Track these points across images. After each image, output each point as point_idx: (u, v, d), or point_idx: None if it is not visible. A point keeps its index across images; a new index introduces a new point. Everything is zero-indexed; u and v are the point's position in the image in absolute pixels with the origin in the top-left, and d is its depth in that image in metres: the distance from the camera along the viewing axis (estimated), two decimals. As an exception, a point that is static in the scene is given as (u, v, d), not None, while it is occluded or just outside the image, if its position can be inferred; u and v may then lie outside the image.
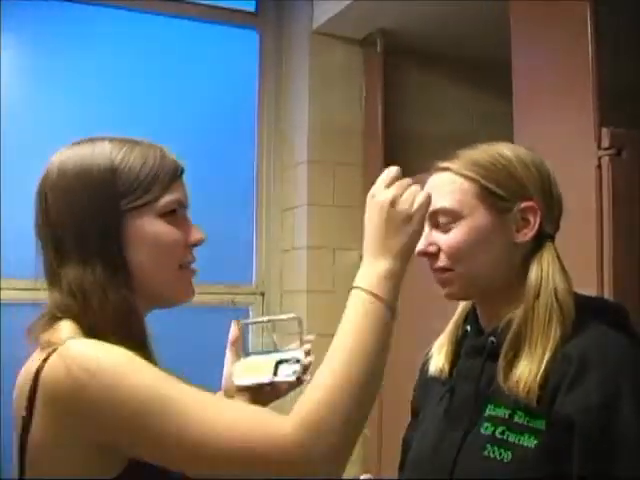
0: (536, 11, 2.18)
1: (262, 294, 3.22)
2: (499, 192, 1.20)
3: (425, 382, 1.40)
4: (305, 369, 1.23)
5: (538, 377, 1.10)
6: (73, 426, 0.97)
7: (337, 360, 0.97)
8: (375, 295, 1.01)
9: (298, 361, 1.23)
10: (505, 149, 1.23)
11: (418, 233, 1.06)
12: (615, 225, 1.85)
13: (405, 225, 1.04)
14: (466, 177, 1.21)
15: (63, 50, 2.95)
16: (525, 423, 1.11)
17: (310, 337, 1.27)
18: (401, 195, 1.05)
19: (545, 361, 1.11)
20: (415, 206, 1.05)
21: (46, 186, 1.10)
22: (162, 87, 3.08)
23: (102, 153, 1.09)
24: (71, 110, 2.90)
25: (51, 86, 2.93)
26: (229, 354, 1.33)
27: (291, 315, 1.30)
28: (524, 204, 1.20)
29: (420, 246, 1.21)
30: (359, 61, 3.21)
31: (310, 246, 3.04)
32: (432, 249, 1.23)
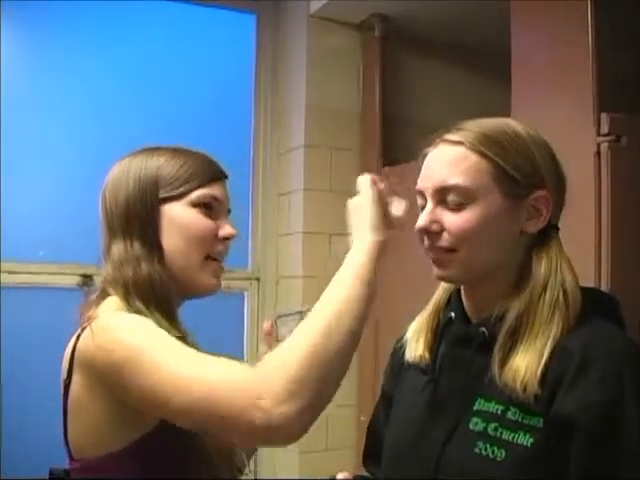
0: (536, -5, 2.16)
1: (257, 279, 3.22)
2: (516, 176, 1.13)
3: (399, 368, 1.33)
4: None
5: (538, 372, 1.04)
6: (100, 386, 1.11)
7: (302, 324, 1.05)
8: (348, 270, 1.10)
9: None
10: (518, 127, 1.17)
11: (364, 209, 1.16)
12: (614, 213, 1.83)
13: (359, 208, 1.18)
14: (482, 155, 1.13)
15: (59, 33, 2.93)
16: (519, 420, 1.05)
17: None
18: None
19: (545, 356, 1.05)
20: (357, 188, 1.20)
21: (106, 187, 1.27)
22: (159, 71, 3.06)
23: (153, 157, 1.26)
24: (68, 92, 2.89)
25: (49, 69, 2.90)
26: (262, 346, 1.41)
27: None
28: (538, 193, 1.14)
29: (422, 222, 1.15)
30: (357, 45, 3.19)
31: (306, 231, 3.03)
32: (435, 227, 1.15)
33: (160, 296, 1.19)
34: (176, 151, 1.28)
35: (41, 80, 2.88)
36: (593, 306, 1.12)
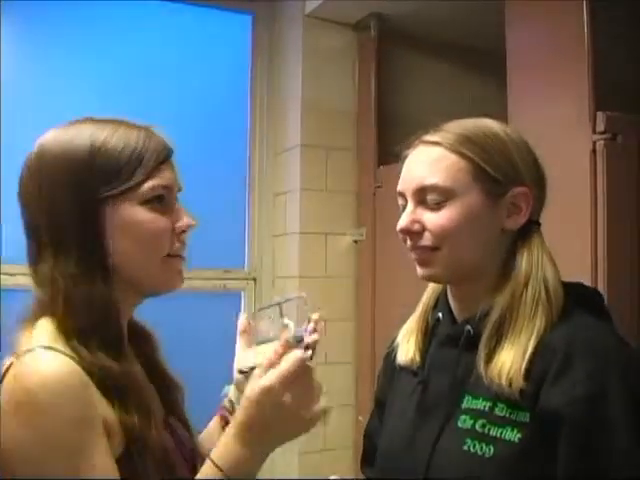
0: (531, -6, 2.16)
1: (254, 279, 3.21)
2: (495, 175, 1.14)
3: (392, 372, 1.34)
4: (307, 347, 1.20)
5: (522, 367, 1.05)
6: None
7: None
8: (226, 476, 0.99)
9: (300, 341, 1.18)
10: (495, 127, 1.18)
11: (299, 434, 1.04)
12: (610, 211, 1.83)
13: (293, 425, 1.02)
14: (461, 155, 1.14)
15: (58, 33, 2.92)
16: (507, 416, 1.06)
17: (314, 316, 1.18)
18: (302, 397, 1.02)
19: (529, 351, 1.06)
20: (312, 415, 1.02)
21: (24, 173, 1.05)
22: (155, 70, 3.05)
23: (82, 136, 1.02)
24: (67, 91, 2.88)
25: (49, 68, 2.89)
26: (238, 344, 1.28)
27: (296, 295, 1.23)
28: (517, 190, 1.15)
29: (403, 223, 1.17)
30: (353, 45, 3.19)
31: (302, 231, 3.02)
32: (417, 227, 1.16)
33: (108, 324, 1.00)
34: (109, 125, 1.04)
35: (41, 80, 2.87)
36: (576, 301, 1.13)
